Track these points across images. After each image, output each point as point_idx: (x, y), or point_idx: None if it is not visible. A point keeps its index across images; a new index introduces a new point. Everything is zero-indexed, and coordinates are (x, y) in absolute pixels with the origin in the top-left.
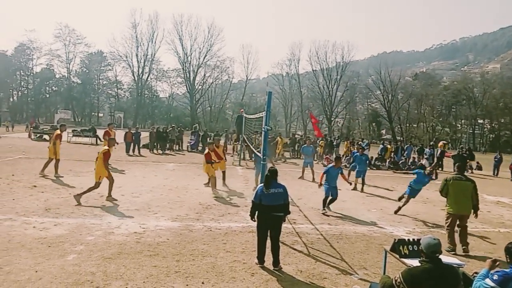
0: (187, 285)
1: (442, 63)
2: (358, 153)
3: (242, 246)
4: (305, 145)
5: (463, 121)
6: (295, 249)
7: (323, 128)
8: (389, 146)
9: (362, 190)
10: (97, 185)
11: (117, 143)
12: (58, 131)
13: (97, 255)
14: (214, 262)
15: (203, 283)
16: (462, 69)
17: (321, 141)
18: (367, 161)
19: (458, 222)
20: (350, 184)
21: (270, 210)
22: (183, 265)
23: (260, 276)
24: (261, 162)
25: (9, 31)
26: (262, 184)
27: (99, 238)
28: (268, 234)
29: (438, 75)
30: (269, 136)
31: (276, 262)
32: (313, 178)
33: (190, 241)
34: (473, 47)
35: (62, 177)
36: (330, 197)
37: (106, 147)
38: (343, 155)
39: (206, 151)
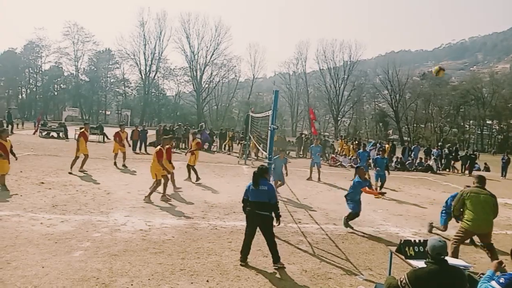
0: (192, 283)
1: (450, 63)
2: (379, 156)
3: None
4: (313, 145)
5: (471, 121)
6: (300, 249)
7: (329, 128)
8: (387, 145)
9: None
10: (158, 182)
11: (109, 138)
12: (83, 129)
13: (103, 251)
14: (219, 260)
15: (207, 281)
16: (471, 69)
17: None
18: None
19: (479, 240)
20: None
21: (256, 207)
22: (188, 263)
23: (264, 275)
24: (268, 161)
25: (19, 29)
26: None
27: (105, 235)
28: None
29: (447, 75)
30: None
31: (275, 258)
32: (319, 178)
33: (195, 239)
34: (482, 47)
35: (86, 171)
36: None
37: (159, 147)
38: (337, 153)
39: (158, 148)
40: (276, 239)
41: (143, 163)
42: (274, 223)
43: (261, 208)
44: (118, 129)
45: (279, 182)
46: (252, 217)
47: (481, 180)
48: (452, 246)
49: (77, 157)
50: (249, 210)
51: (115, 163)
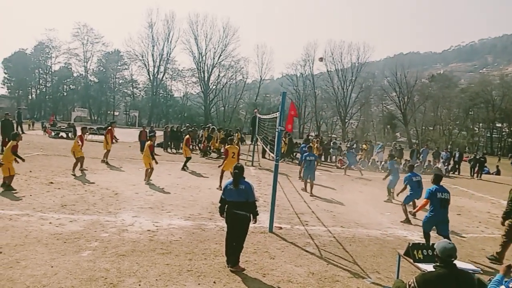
0: (199, 284)
1: (460, 65)
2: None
3: (254, 246)
4: (307, 152)
5: (480, 124)
6: (307, 251)
7: (337, 130)
8: (364, 146)
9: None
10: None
11: (117, 140)
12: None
13: (111, 252)
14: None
15: (214, 282)
16: (480, 71)
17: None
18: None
19: None
20: None
21: (233, 207)
22: (195, 264)
23: (271, 277)
24: (275, 162)
25: (30, 30)
26: (231, 179)
27: (113, 235)
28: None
29: (456, 77)
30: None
31: (235, 260)
32: (311, 192)
33: (203, 240)
34: (492, 49)
35: (108, 164)
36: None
37: (149, 141)
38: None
39: (149, 142)
40: (283, 241)
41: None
42: (251, 222)
43: (239, 208)
44: (120, 128)
45: (308, 181)
46: (230, 217)
47: None
48: (504, 241)
49: (108, 151)
50: (228, 210)
51: (104, 161)
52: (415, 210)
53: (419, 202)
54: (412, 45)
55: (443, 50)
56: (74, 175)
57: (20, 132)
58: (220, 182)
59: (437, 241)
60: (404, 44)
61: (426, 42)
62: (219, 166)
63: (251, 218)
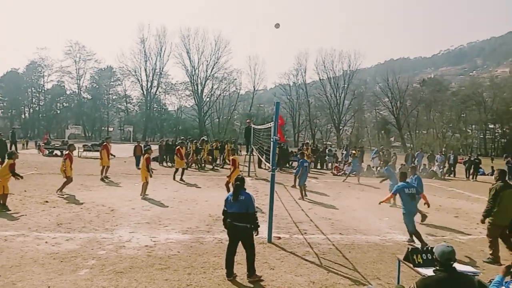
0: None
1: (450, 69)
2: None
3: None
4: (302, 159)
5: (473, 126)
6: (306, 260)
7: (332, 137)
8: (354, 152)
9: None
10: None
11: (114, 156)
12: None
13: (108, 269)
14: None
15: None
16: (470, 74)
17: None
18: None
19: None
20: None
21: (234, 218)
22: (194, 278)
23: None
24: (270, 172)
25: (21, 49)
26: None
27: (111, 252)
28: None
29: (447, 81)
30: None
31: (250, 272)
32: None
33: (201, 253)
34: (481, 52)
35: (107, 179)
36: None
37: (147, 155)
38: (340, 162)
39: (146, 156)
40: (282, 251)
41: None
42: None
43: (239, 220)
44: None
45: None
46: (231, 229)
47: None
48: (490, 242)
49: (107, 166)
50: (229, 222)
51: (103, 179)
52: (383, 200)
53: (417, 217)
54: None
55: (432, 55)
56: (62, 196)
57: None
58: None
59: (436, 244)
60: (394, 50)
61: (416, 48)
62: (227, 176)
63: (252, 229)
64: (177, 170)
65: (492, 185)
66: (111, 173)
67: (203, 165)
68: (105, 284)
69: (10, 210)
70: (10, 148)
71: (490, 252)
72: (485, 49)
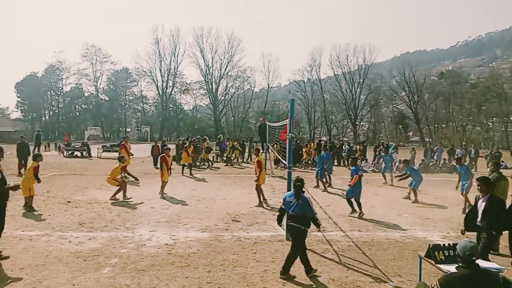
0: None
1: (468, 60)
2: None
3: (272, 255)
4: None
5: (494, 119)
6: (326, 257)
7: (348, 133)
8: (358, 147)
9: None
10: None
11: (132, 154)
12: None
13: (130, 267)
14: (244, 272)
15: None
16: (490, 65)
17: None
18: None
19: None
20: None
21: (290, 219)
22: (214, 275)
23: (291, 286)
24: (287, 170)
25: (40, 54)
26: (291, 191)
27: (132, 251)
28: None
29: (465, 73)
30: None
31: (284, 268)
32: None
33: (220, 251)
34: (500, 42)
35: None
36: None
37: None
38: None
39: (162, 154)
40: None
41: None
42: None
43: (295, 221)
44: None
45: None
46: (288, 228)
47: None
48: None
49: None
50: (287, 222)
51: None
52: (351, 182)
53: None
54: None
55: (450, 46)
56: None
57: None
58: (259, 197)
59: (459, 241)
60: (410, 43)
61: (433, 39)
62: (255, 181)
63: (305, 231)
64: (184, 165)
65: (488, 176)
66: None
67: (205, 163)
68: (127, 282)
69: (36, 211)
70: (34, 151)
71: None
72: (504, 39)
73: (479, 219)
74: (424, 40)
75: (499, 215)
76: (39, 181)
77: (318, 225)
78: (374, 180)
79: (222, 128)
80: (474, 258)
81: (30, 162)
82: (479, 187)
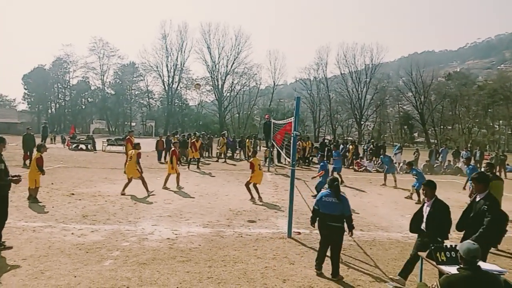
0: None
1: (477, 62)
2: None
3: (273, 252)
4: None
5: (501, 121)
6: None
7: (353, 133)
8: (351, 147)
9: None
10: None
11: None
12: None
13: (132, 260)
14: (245, 268)
15: None
16: (498, 67)
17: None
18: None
19: None
20: None
21: (328, 219)
22: (215, 271)
23: (292, 283)
24: (291, 168)
25: (48, 46)
26: (327, 191)
27: (134, 244)
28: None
29: (473, 75)
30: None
31: (334, 271)
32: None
33: (222, 247)
34: (510, 44)
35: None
36: None
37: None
38: (361, 158)
39: (173, 148)
40: (302, 246)
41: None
42: (348, 235)
43: (334, 220)
44: (137, 139)
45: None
46: (326, 229)
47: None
48: None
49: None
50: (321, 222)
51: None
52: (316, 175)
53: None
54: (426, 44)
55: (459, 48)
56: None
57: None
58: (251, 193)
59: (460, 243)
60: (419, 43)
61: (441, 40)
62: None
63: (346, 230)
64: (190, 160)
65: None
66: None
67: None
68: (128, 275)
69: (40, 202)
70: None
71: None
72: None
73: (423, 224)
74: (433, 41)
75: (442, 221)
76: (43, 172)
77: (352, 226)
78: (378, 180)
79: (227, 125)
80: (477, 260)
81: (35, 154)
82: (424, 191)
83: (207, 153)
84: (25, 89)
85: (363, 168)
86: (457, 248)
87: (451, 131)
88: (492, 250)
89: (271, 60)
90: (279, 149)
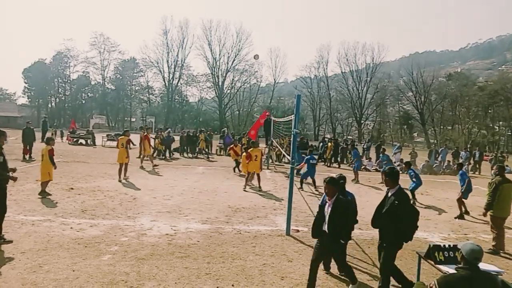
0: (217, 287)
1: (478, 63)
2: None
3: (271, 249)
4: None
5: (501, 123)
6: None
7: (353, 132)
8: (329, 144)
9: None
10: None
11: (135, 144)
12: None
13: (130, 255)
14: (243, 265)
15: (233, 285)
16: (499, 68)
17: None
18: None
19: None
20: None
21: None
22: (213, 267)
23: (289, 280)
24: (291, 165)
25: (48, 41)
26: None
27: (133, 239)
28: None
29: (474, 75)
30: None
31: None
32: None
33: (220, 243)
34: (511, 46)
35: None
36: None
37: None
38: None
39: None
40: (300, 244)
41: (168, 168)
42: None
43: None
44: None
45: None
46: None
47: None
48: (496, 235)
49: (145, 156)
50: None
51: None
52: (299, 166)
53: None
54: (428, 44)
55: (460, 48)
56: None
57: (40, 140)
58: (246, 182)
59: (459, 242)
60: (420, 43)
61: (443, 40)
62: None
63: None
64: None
65: (492, 179)
66: (133, 163)
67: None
68: (127, 270)
69: (50, 195)
70: (43, 137)
71: (493, 243)
72: None
73: (325, 225)
74: (434, 41)
75: (346, 220)
76: (55, 166)
77: (356, 221)
78: (377, 179)
79: (227, 122)
80: (479, 262)
81: (34, 148)
82: (325, 190)
83: (207, 149)
84: (25, 83)
85: (363, 167)
86: (459, 247)
87: (450, 132)
88: (491, 250)
89: (272, 58)
90: (280, 148)
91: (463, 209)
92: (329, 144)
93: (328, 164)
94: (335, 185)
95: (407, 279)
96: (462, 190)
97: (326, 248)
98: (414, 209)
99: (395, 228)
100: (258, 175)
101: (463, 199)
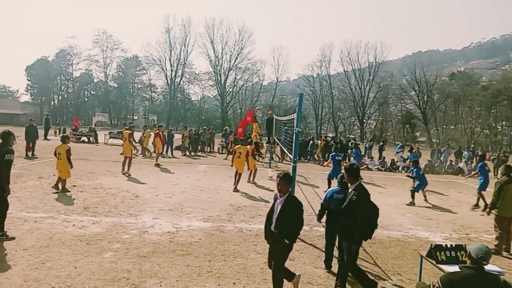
0: (219, 285)
1: (481, 62)
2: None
3: None
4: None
5: (503, 122)
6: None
7: (355, 131)
8: (319, 142)
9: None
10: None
11: (137, 142)
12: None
13: (132, 253)
14: (245, 263)
15: (234, 283)
16: (502, 68)
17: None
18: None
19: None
20: None
21: (336, 215)
22: (215, 265)
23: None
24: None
25: (51, 38)
26: (337, 187)
27: (135, 237)
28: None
29: (477, 75)
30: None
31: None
32: None
33: (222, 241)
34: None
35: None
36: None
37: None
38: (363, 156)
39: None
40: (302, 243)
41: (170, 166)
42: None
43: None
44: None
45: None
46: (335, 226)
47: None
48: (499, 234)
49: (159, 154)
50: (330, 218)
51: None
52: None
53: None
54: (431, 43)
55: (463, 47)
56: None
57: (43, 138)
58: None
59: (472, 244)
60: (423, 42)
61: (446, 40)
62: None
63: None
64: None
65: (498, 179)
66: (135, 161)
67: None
68: (129, 267)
69: (70, 191)
70: (45, 135)
71: (496, 243)
72: None
73: (273, 224)
74: (437, 40)
75: (296, 220)
76: (71, 165)
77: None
78: (379, 178)
79: (229, 120)
80: (485, 262)
81: (37, 145)
82: (278, 186)
83: (208, 148)
84: (28, 80)
85: (365, 166)
86: (468, 248)
87: (453, 131)
88: (493, 250)
89: (274, 56)
90: (282, 146)
91: (481, 201)
92: (319, 142)
93: (321, 163)
94: (289, 182)
95: (369, 278)
96: (481, 182)
97: (272, 246)
98: (373, 206)
99: (354, 224)
100: (252, 171)
101: (482, 192)
